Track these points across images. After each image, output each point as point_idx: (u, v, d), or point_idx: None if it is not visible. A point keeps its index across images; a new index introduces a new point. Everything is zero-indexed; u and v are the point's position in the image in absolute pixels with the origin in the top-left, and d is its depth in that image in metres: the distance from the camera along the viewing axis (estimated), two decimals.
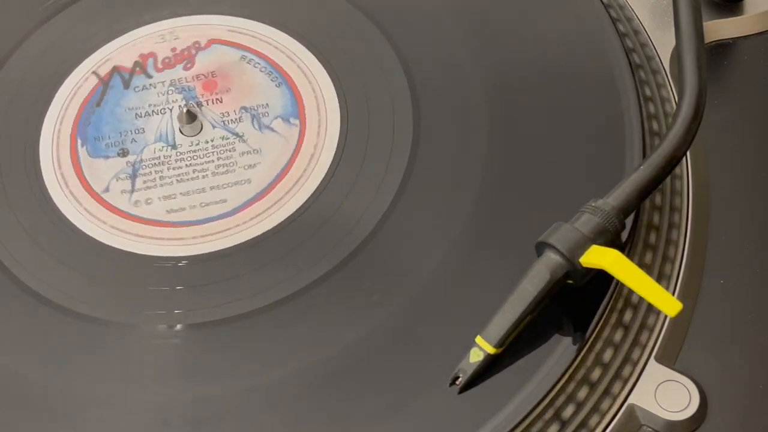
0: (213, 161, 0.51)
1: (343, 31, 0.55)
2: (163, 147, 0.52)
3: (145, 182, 0.51)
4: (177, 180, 0.51)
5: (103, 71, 0.55)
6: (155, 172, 0.51)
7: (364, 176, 0.49)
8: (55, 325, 0.46)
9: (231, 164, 0.51)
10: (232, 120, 0.53)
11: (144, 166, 0.51)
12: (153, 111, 0.54)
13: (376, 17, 0.55)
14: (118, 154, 0.52)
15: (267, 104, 0.53)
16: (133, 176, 0.51)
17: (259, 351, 0.45)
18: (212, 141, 0.52)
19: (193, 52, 0.55)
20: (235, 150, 0.52)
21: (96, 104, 0.54)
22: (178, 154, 0.52)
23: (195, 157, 0.52)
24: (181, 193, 0.50)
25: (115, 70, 0.55)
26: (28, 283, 0.48)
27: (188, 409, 0.43)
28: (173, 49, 0.56)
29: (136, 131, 0.53)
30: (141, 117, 0.53)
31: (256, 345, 0.45)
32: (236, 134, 0.52)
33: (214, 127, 0.53)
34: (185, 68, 0.55)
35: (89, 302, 0.47)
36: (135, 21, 0.57)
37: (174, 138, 0.52)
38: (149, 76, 0.55)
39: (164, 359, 0.45)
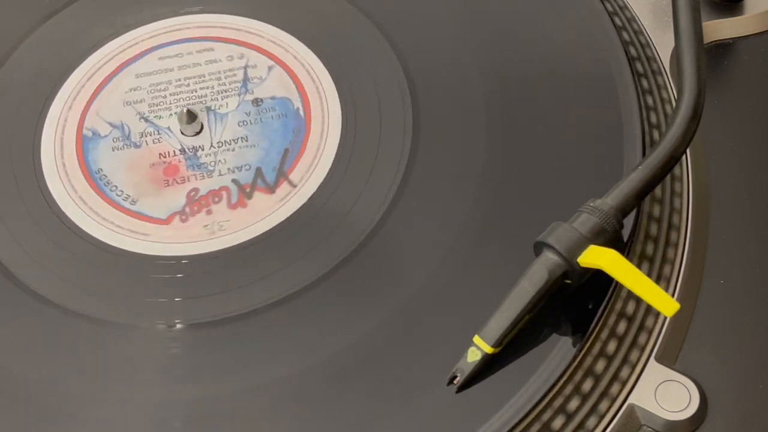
0: None
1: (343, 31, 0.55)
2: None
3: None
4: None
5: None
6: None
7: (364, 176, 0.49)
8: (55, 325, 0.46)
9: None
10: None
11: None
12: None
13: (376, 17, 0.55)
14: None
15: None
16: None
17: (258, 351, 0.45)
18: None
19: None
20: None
21: None
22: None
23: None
24: None
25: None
26: (28, 283, 0.48)
27: (188, 409, 0.43)
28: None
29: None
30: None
31: (255, 345, 0.45)
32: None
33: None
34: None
35: (89, 302, 0.47)
36: (136, 18, 0.57)
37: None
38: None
39: (164, 359, 0.45)
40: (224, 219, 0.49)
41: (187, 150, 0.52)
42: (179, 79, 0.55)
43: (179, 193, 0.51)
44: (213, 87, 0.54)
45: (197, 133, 0.52)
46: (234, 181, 0.51)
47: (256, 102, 0.53)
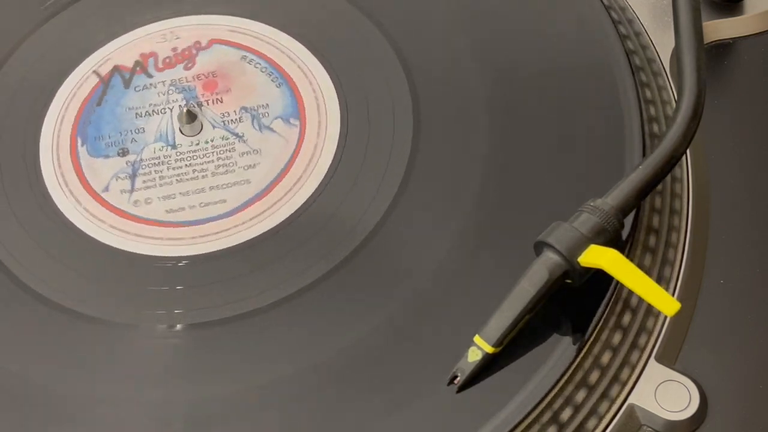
0: (213, 161, 0.51)
1: (343, 32, 0.55)
2: (163, 147, 0.52)
3: (144, 182, 0.51)
4: (177, 180, 0.51)
5: (104, 71, 0.55)
6: (155, 171, 0.51)
7: (364, 176, 0.49)
8: (55, 325, 0.46)
9: (231, 164, 0.51)
10: (232, 120, 0.53)
11: (144, 166, 0.52)
12: (153, 111, 0.54)
13: (376, 17, 0.55)
14: (118, 154, 0.52)
15: (267, 104, 0.53)
16: (133, 176, 0.51)
17: (259, 351, 0.45)
18: (212, 141, 0.52)
19: (194, 52, 0.56)
20: (234, 150, 0.52)
21: (96, 104, 0.54)
22: (178, 153, 0.52)
23: (195, 157, 0.52)
24: (180, 193, 0.50)
25: (116, 69, 0.55)
26: (28, 283, 0.48)
27: (188, 409, 0.43)
28: (174, 49, 0.56)
29: (137, 131, 0.53)
30: (141, 117, 0.53)
31: (256, 345, 0.45)
32: (236, 134, 0.52)
33: (214, 127, 0.53)
34: (186, 68, 0.55)
35: (89, 302, 0.47)
36: (136, 20, 0.57)
37: (174, 138, 0.52)
38: (150, 76, 0.55)
39: (164, 359, 0.45)
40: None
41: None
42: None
43: None
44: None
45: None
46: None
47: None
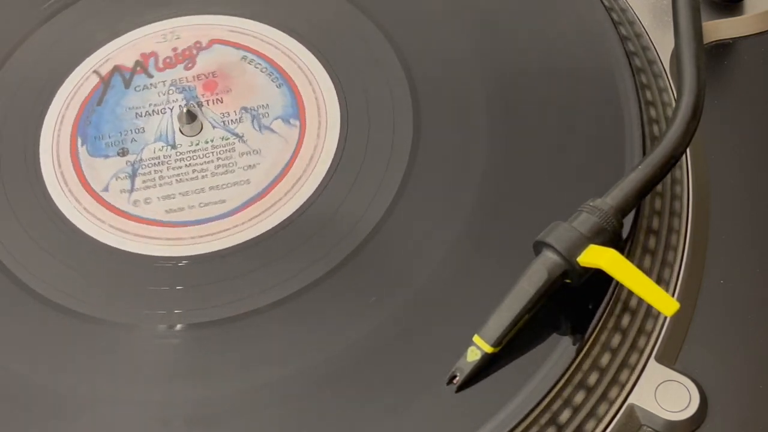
0: (212, 161, 0.51)
1: (343, 31, 0.55)
2: (162, 147, 0.52)
3: (144, 182, 0.51)
4: (176, 180, 0.51)
5: (104, 70, 0.55)
6: (155, 171, 0.51)
7: (364, 176, 0.49)
8: (55, 325, 0.46)
9: (230, 165, 0.51)
10: (232, 120, 0.53)
11: (143, 166, 0.52)
12: (153, 110, 0.54)
13: (376, 17, 0.55)
14: (118, 154, 0.52)
15: (267, 105, 0.53)
16: (133, 176, 0.51)
17: (259, 351, 0.45)
18: (212, 141, 0.52)
19: (195, 52, 0.56)
20: (234, 150, 0.52)
21: (97, 103, 0.54)
22: (178, 154, 0.52)
23: (194, 157, 0.52)
24: (180, 193, 0.50)
25: (116, 69, 0.55)
26: (28, 283, 0.48)
27: (188, 409, 0.43)
28: (174, 49, 0.56)
29: (137, 131, 0.53)
30: (141, 116, 0.53)
31: (256, 345, 0.45)
32: (236, 135, 0.52)
33: (214, 127, 0.53)
34: (186, 68, 0.55)
35: (89, 302, 0.47)
36: (136, 20, 0.57)
37: (174, 138, 0.52)
38: (150, 76, 0.55)
39: (164, 359, 0.45)
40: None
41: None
42: None
43: None
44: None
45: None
46: None
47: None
